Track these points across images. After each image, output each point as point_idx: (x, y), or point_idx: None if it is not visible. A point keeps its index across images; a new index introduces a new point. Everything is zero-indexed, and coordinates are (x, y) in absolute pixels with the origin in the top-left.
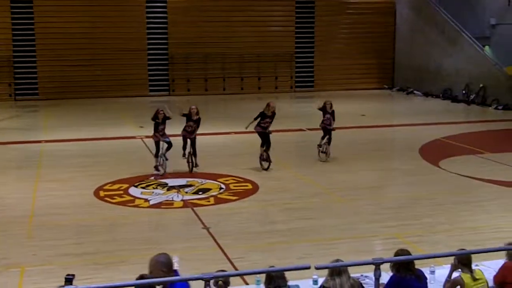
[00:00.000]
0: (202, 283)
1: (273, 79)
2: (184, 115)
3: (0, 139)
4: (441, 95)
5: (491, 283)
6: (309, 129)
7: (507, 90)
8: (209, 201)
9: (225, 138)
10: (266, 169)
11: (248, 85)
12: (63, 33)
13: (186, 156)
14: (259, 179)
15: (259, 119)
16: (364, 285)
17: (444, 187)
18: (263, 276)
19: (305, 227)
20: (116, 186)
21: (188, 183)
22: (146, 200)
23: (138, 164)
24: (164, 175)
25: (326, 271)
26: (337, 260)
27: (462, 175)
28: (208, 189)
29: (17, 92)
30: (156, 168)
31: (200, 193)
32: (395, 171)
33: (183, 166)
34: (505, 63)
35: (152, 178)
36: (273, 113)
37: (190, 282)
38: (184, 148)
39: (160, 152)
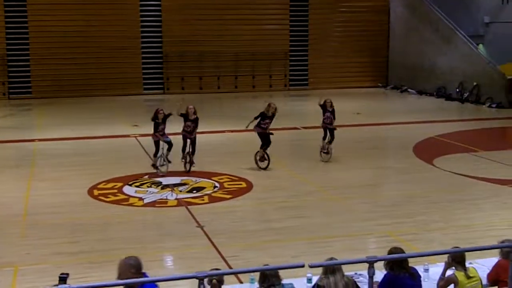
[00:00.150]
0: (196, 281)
1: (268, 77)
2: (181, 115)
3: None
4: (435, 93)
5: (484, 281)
6: (303, 127)
7: (500, 88)
8: (203, 200)
9: (220, 136)
10: (265, 168)
11: (243, 84)
12: (57, 32)
13: (184, 156)
14: (253, 178)
15: (259, 119)
16: (358, 283)
17: (438, 185)
18: (257, 274)
19: (299, 225)
20: (110, 185)
21: (183, 182)
22: (140, 199)
23: (132, 163)
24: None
25: (320, 269)
26: (331, 258)
27: (456, 173)
28: (202, 188)
29: (10, 90)
30: (154, 166)
31: (194, 191)
32: (389, 169)
33: (179, 165)
34: (499, 62)
35: (146, 176)
36: (273, 114)
37: (185, 280)
38: (184, 150)
39: (161, 152)
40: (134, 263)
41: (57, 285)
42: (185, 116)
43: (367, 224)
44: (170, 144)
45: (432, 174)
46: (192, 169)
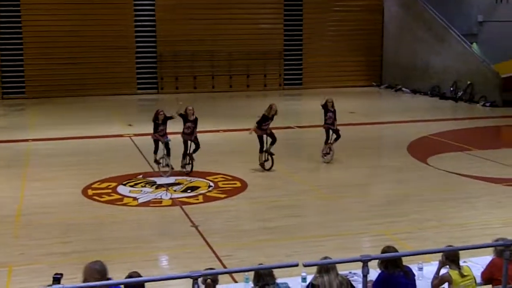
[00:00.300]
0: (190, 281)
1: (262, 76)
2: (180, 115)
3: None
4: (429, 92)
5: (478, 280)
6: (298, 127)
7: (494, 87)
8: (197, 199)
9: (214, 136)
10: (269, 169)
11: (237, 83)
12: (51, 31)
13: (184, 160)
14: (247, 177)
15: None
16: (352, 282)
17: (432, 183)
18: (252, 273)
19: (293, 224)
20: (104, 185)
21: (177, 181)
22: (135, 199)
23: (127, 163)
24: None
25: (314, 269)
26: (326, 257)
27: (450, 171)
28: (197, 187)
29: (4, 90)
30: (156, 162)
31: (189, 191)
32: (383, 168)
33: (177, 167)
34: (493, 60)
35: (141, 176)
36: (273, 115)
37: (180, 280)
38: (184, 156)
39: (162, 153)
40: (100, 268)
41: (51, 285)
42: (185, 117)
43: (361, 223)
44: (168, 147)
45: (426, 172)
46: (187, 168)
